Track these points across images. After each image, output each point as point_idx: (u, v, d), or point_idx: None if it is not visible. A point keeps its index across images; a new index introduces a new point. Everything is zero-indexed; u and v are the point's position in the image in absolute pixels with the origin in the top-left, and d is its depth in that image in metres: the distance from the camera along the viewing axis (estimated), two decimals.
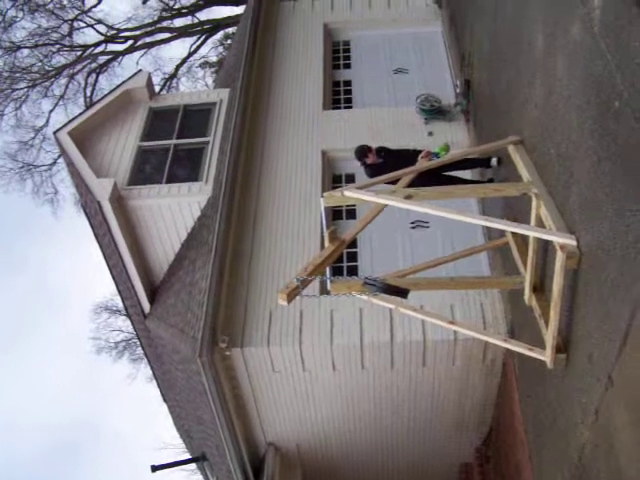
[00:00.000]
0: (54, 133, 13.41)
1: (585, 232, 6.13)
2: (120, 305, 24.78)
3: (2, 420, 46.71)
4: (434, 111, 13.41)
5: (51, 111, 33.43)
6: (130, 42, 34.94)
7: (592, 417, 6.26)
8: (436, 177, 10.20)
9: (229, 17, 33.76)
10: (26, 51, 33.07)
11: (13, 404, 47.31)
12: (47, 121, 33.19)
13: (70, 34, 33.72)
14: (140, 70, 15.04)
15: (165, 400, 16.50)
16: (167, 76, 35.40)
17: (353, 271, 11.63)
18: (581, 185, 6.16)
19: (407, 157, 10.44)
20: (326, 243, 7.46)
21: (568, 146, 6.51)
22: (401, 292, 7.27)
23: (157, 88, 28.78)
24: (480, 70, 11.65)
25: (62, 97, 33.61)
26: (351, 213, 12.54)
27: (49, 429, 48.99)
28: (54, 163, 32.93)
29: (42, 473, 48.05)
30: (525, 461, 9.57)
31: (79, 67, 34.32)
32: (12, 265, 49.81)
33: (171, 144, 13.45)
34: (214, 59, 35.52)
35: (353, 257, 11.88)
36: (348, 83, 15.71)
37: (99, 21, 33.89)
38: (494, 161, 10.72)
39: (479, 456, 12.94)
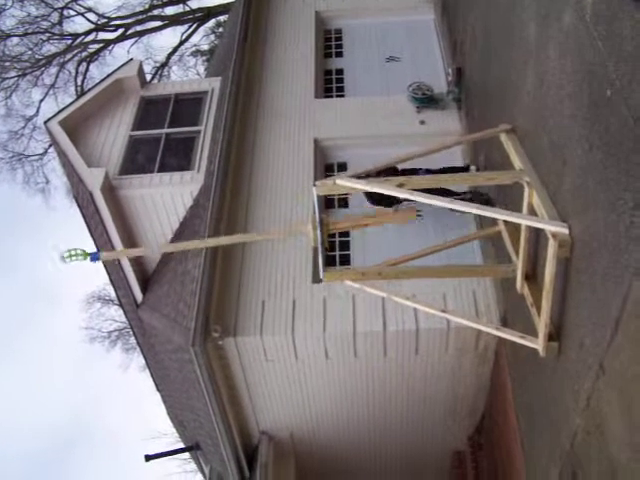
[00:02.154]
0: (45, 123, 13.35)
1: (577, 220, 6.15)
2: (112, 295, 24.79)
3: None
4: (426, 99, 13.40)
5: (41, 100, 33.33)
6: (121, 30, 34.79)
7: (584, 404, 6.29)
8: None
9: (220, 5, 33.61)
10: (15, 39, 32.93)
11: (6, 396, 47.36)
12: (37, 110, 33.10)
13: (60, 22, 33.56)
14: (131, 59, 15.00)
15: (158, 389, 16.51)
16: (158, 65, 35.30)
17: (345, 260, 11.64)
18: (573, 173, 6.17)
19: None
20: (318, 232, 7.44)
21: (560, 134, 6.52)
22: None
23: (148, 77, 28.65)
24: (472, 58, 11.64)
25: (53, 86, 33.49)
26: (343, 202, 12.54)
27: (42, 422, 49.04)
28: (45, 153, 32.85)
29: (34, 467, 48.15)
30: (517, 448, 9.62)
31: (70, 56, 34.16)
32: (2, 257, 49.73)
33: (162, 133, 13.41)
34: (205, 47, 35.41)
35: (346, 246, 11.89)
36: (340, 72, 15.69)
37: (89, 9, 33.72)
38: (473, 168, 10.95)
39: (472, 444, 13.00)
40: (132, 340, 28.64)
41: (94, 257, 7.91)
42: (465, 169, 11.51)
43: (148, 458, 14.08)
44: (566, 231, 6.30)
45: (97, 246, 13.17)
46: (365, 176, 7.61)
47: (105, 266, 13.54)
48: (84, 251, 7.75)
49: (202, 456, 14.88)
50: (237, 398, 11.62)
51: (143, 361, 17.47)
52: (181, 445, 17.80)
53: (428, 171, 10.92)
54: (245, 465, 12.21)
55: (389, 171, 9.58)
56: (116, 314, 33.19)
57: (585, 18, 5.69)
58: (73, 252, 7.66)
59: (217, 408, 10.92)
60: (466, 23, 12.06)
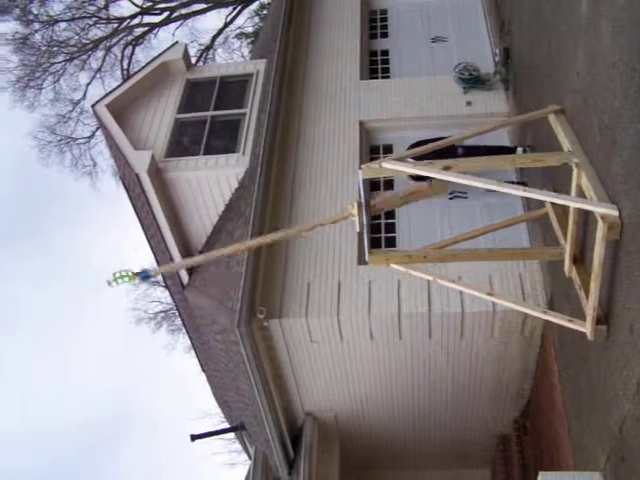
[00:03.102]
0: (92, 106, 13.52)
1: (627, 202, 6.03)
2: (159, 276, 25.02)
3: (50, 394, 47.89)
4: (473, 80, 13.25)
5: (88, 84, 33.78)
6: (166, 14, 34.97)
7: (634, 389, 6.20)
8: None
9: None
10: (63, 24, 33.38)
11: (57, 378, 48.39)
12: (85, 94, 33.58)
13: (106, 7, 33.92)
14: (176, 42, 15.09)
15: (204, 370, 16.70)
16: (203, 47, 35.45)
17: (391, 242, 11.59)
18: (624, 154, 6.05)
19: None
20: (364, 215, 7.41)
21: (611, 114, 6.39)
22: None
23: (193, 60, 28.84)
24: (520, 37, 11.46)
25: (99, 70, 33.91)
26: (389, 184, 12.47)
27: (88, 403, 49.98)
28: (92, 136, 33.30)
29: (81, 448, 49.17)
30: (563, 433, 9.53)
31: (116, 40, 34.53)
32: (48, 240, 50.63)
33: (208, 116, 13.48)
34: (250, 30, 35.43)
35: (391, 228, 11.84)
36: (385, 53, 15.58)
37: None
38: (520, 150, 11.09)
39: (517, 427, 12.91)
40: (178, 321, 28.96)
41: (143, 276, 7.20)
42: (512, 150, 11.47)
43: (194, 438, 14.30)
44: (616, 213, 6.19)
45: (143, 228, 13.32)
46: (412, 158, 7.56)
47: (152, 248, 13.69)
48: (132, 272, 7.01)
49: (247, 436, 15.02)
50: (282, 379, 11.69)
51: (188, 342, 17.70)
52: (226, 425, 18.01)
53: (467, 148, 10.88)
54: (290, 446, 12.30)
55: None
56: (162, 295, 33.56)
57: None
58: (119, 275, 6.96)
59: (262, 389, 11.00)
60: (513, 2, 11.87)
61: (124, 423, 53.77)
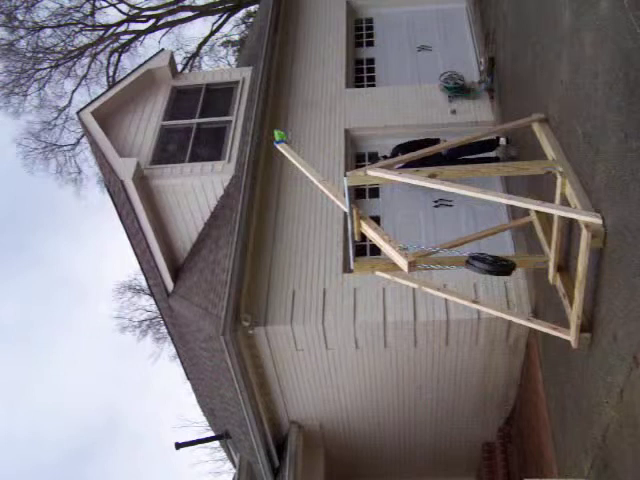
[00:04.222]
0: (77, 113, 13.46)
1: (611, 211, 6.07)
2: (143, 284, 25.00)
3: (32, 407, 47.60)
4: (458, 89, 13.32)
5: (74, 91, 33.63)
6: (152, 21, 34.92)
7: (617, 397, 6.22)
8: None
9: None
10: (49, 31, 33.23)
11: (41, 389, 48.09)
12: (70, 101, 33.41)
13: (92, 13, 33.80)
14: (162, 49, 15.05)
15: (189, 378, 16.62)
16: (189, 55, 35.42)
17: (376, 250, 11.60)
18: (607, 163, 6.09)
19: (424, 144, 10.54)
20: (349, 222, 7.42)
21: (594, 123, 6.43)
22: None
23: (179, 67, 28.82)
24: (505, 47, 11.52)
25: (85, 77, 33.77)
26: (374, 192, 12.50)
27: (74, 413, 49.69)
28: (77, 143, 33.16)
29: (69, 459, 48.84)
30: (548, 440, 9.55)
31: (101, 47, 34.42)
32: (33, 249, 50.38)
33: (194, 123, 13.46)
34: (236, 38, 35.46)
35: None
36: (371, 61, 15.61)
37: (121, 0, 33.87)
38: (503, 140, 11.40)
39: (502, 435, 12.93)
40: (163, 329, 28.85)
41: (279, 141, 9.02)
42: (495, 142, 11.59)
43: (178, 446, 14.22)
44: (599, 221, 6.22)
45: (128, 235, 13.28)
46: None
47: (137, 256, 13.64)
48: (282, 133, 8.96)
49: (232, 445, 14.96)
50: (267, 387, 11.66)
51: (174, 350, 17.61)
52: (211, 433, 17.93)
53: (451, 149, 10.92)
54: (275, 454, 12.26)
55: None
56: (147, 303, 33.48)
57: (623, 3, 5.59)
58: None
59: (247, 397, 10.97)
60: (498, 11, 11.93)
61: (109, 431, 53.41)
